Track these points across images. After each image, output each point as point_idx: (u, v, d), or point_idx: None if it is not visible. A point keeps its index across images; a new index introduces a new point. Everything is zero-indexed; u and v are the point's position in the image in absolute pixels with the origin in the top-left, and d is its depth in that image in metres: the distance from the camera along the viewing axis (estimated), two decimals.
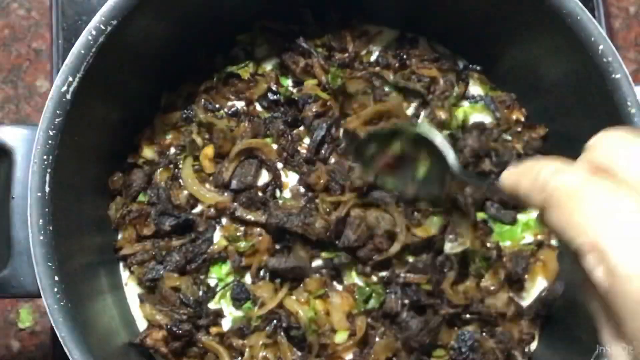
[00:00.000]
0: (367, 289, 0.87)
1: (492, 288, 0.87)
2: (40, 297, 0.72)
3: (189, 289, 0.86)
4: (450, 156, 0.72)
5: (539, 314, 0.88)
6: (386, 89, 0.94)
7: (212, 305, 0.88)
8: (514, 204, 0.90)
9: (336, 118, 0.91)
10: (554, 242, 0.91)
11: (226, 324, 0.88)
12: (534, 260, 0.89)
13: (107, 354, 0.78)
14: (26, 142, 0.78)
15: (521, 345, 0.87)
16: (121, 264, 0.91)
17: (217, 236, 0.89)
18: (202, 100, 0.94)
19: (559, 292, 0.87)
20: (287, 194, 0.91)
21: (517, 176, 0.52)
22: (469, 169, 0.89)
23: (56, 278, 0.72)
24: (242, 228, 0.89)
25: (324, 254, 0.87)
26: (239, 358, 0.86)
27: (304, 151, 0.91)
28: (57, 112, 0.74)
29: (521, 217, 0.91)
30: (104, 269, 0.88)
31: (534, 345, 0.89)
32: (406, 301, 0.85)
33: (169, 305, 0.86)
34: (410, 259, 0.87)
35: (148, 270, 0.88)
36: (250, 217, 0.88)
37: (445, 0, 0.90)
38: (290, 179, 0.91)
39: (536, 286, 0.89)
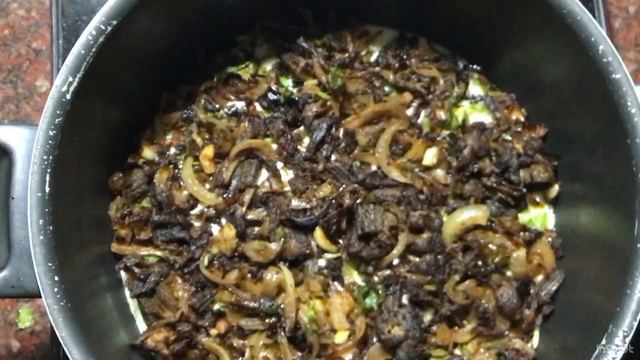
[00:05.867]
0: (366, 287, 0.86)
1: (492, 288, 0.87)
2: (40, 297, 0.72)
3: (187, 292, 0.87)
4: None
5: (540, 312, 0.88)
6: (386, 89, 0.95)
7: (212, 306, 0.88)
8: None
9: (336, 118, 0.91)
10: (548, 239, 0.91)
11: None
12: (532, 257, 0.89)
13: (107, 354, 0.78)
14: (26, 142, 0.78)
15: (521, 345, 0.87)
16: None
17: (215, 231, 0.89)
18: (202, 100, 0.94)
19: (560, 280, 0.87)
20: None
21: None
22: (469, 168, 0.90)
23: (56, 278, 0.73)
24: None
25: (328, 255, 0.87)
26: (240, 358, 0.86)
27: (303, 150, 0.91)
28: (57, 112, 0.74)
29: (522, 216, 0.92)
30: (104, 269, 0.88)
31: (534, 345, 0.89)
32: (404, 299, 0.85)
33: (168, 309, 0.87)
34: (412, 259, 0.88)
35: (143, 273, 0.88)
36: (252, 216, 0.88)
37: (445, 0, 0.90)
38: (290, 177, 0.91)
39: (536, 286, 0.89)
